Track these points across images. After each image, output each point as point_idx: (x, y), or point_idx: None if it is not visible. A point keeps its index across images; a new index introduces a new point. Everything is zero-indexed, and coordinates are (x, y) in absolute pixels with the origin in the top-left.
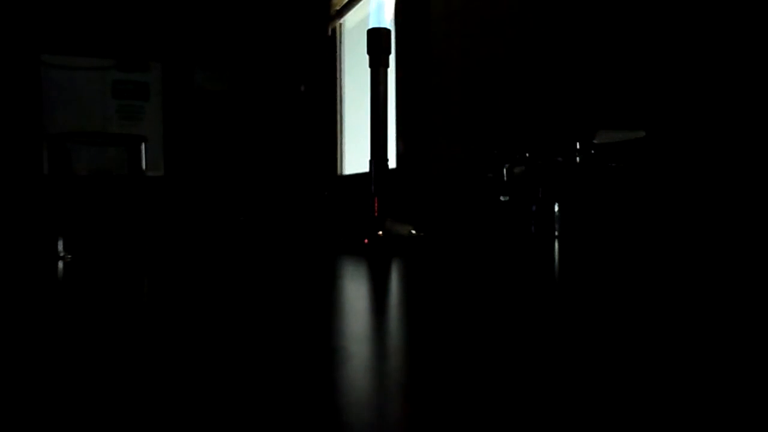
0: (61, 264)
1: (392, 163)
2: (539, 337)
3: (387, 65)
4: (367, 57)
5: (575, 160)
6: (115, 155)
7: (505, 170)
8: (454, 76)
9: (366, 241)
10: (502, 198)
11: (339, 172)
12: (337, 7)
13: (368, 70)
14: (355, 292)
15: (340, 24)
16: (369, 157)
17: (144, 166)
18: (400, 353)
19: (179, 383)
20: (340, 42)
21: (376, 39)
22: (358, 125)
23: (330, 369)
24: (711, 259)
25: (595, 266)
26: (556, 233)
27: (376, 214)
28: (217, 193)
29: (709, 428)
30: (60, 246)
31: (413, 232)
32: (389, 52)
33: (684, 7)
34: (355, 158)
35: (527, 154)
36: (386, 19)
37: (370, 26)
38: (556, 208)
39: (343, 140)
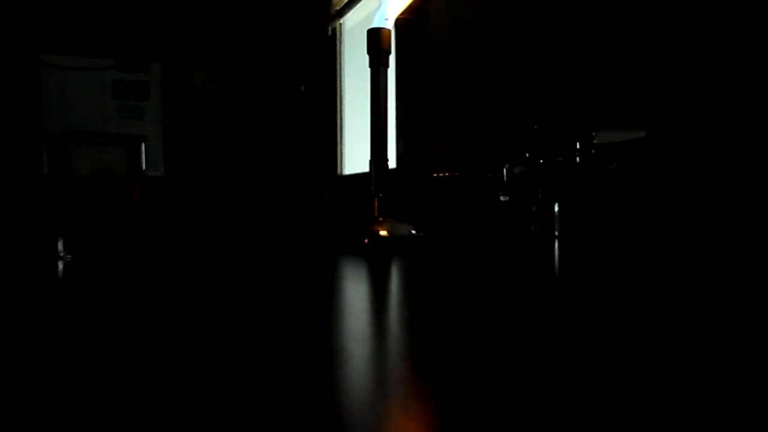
0: (61, 264)
1: (392, 163)
2: (541, 337)
3: (387, 65)
4: (367, 57)
5: (575, 160)
6: (115, 155)
7: (505, 170)
8: (454, 76)
9: (366, 241)
10: (502, 198)
11: (339, 172)
12: (337, 7)
13: (368, 70)
14: (354, 292)
15: (340, 24)
16: (369, 157)
17: (144, 166)
18: (401, 353)
19: (174, 385)
20: (340, 42)
21: (376, 39)
22: (358, 125)
23: (329, 369)
24: (712, 260)
25: (596, 266)
26: (556, 233)
27: (376, 214)
28: (217, 193)
29: (709, 428)
30: (60, 246)
31: (413, 232)
32: (389, 52)
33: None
34: (355, 158)
35: (527, 154)
36: (389, 19)
37: (372, 26)
38: (556, 208)
39: (343, 140)
